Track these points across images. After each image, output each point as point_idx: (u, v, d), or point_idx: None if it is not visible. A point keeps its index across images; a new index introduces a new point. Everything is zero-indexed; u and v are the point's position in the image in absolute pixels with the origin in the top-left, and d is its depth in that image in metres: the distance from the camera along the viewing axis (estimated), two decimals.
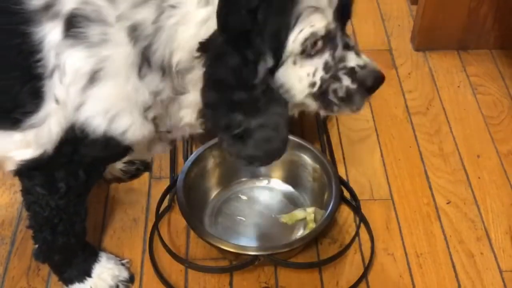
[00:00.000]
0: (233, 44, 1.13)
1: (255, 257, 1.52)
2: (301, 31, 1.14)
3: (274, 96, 1.20)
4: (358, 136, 1.93)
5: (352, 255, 1.64)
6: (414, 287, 1.58)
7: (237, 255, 1.55)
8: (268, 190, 1.76)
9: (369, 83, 1.23)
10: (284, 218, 1.68)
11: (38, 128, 1.18)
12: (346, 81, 1.22)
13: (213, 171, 1.73)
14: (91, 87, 1.15)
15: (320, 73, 1.20)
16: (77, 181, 1.30)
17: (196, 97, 1.21)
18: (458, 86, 2.09)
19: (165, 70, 1.18)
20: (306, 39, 1.14)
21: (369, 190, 1.78)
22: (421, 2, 2.15)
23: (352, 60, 1.22)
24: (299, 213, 1.68)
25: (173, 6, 1.15)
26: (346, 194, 1.74)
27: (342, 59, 1.22)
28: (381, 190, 1.79)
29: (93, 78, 1.15)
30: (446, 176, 1.83)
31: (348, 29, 2.29)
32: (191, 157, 1.69)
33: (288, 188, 1.75)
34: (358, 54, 1.23)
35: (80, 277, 1.51)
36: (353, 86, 1.22)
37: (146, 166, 1.81)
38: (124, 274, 1.55)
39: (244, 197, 1.74)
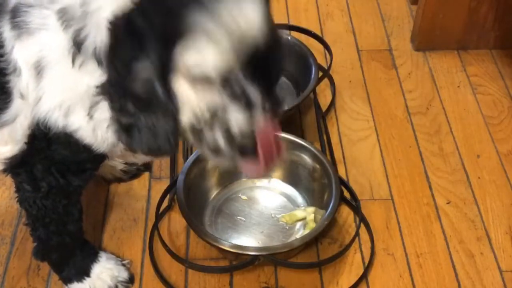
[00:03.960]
0: (129, 30, 1.02)
1: (255, 257, 1.52)
2: (188, 55, 0.99)
3: (160, 104, 1.04)
4: (358, 136, 1.93)
5: (352, 255, 1.64)
6: (414, 287, 1.58)
7: (237, 255, 1.55)
8: (268, 190, 1.76)
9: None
10: (284, 218, 1.68)
11: (11, 125, 1.17)
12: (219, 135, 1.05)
13: (213, 171, 1.73)
14: (41, 79, 1.13)
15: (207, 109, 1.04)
16: (58, 182, 1.28)
17: None
18: (458, 86, 2.09)
19: (101, 60, 1.08)
20: (190, 68, 1.00)
21: (369, 190, 1.78)
22: (421, 2, 2.15)
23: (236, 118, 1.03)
24: (299, 213, 1.68)
25: None
26: (346, 194, 1.74)
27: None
28: (381, 190, 1.79)
29: (39, 68, 1.12)
30: (446, 176, 1.83)
31: (348, 29, 2.31)
32: (191, 157, 1.68)
33: (288, 188, 1.75)
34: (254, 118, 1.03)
35: (78, 276, 1.51)
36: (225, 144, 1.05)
37: (146, 166, 1.81)
38: (124, 275, 1.55)
39: (244, 197, 1.74)
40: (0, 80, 1.14)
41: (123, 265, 1.57)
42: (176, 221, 1.70)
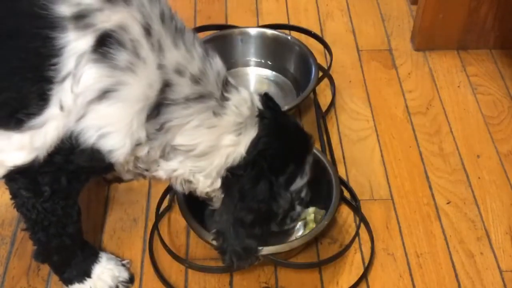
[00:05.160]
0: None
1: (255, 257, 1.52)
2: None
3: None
4: (358, 136, 1.93)
5: (352, 255, 1.64)
6: (414, 287, 1.58)
7: None
8: None
9: None
10: None
11: (35, 130, 1.18)
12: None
13: None
14: (97, 102, 1.17)
15: None
16: (60, 186, 1.29)
17: (172, 167, 1.36)
18: (458, 86, 2.09)
19: (163, 128, 1.26)
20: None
21: (369, 190, 1.79)
22: (421, 2, 2.15)
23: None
24: None
25: (214, 113, 1.30)
26: (346, 194, 1.74)
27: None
28: (381, 190, 1.79)
29: (103, 96, 1.17)
30: (446, 176, 1.83)
31: (348, 29, 2.31)
32: None
33: None
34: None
35: (79, 278, 1.51)
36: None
37: None
38: (124, 275, 1.55)
39: None
40: (43, 86, 1.15)
41: (123, 265, 1.57)
42: (176, 221, 1.70)
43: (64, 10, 1.13)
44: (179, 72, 1.23)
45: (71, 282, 1.52)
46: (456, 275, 1.60)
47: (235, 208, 1.41)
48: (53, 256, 1.46)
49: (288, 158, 1.43)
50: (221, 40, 2.05)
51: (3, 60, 1.15)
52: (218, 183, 1.40)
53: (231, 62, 2.06)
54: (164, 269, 1.60)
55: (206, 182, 1.40)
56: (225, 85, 1.34)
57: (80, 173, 1.30)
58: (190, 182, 1.41)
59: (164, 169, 1.37)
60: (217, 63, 1.33)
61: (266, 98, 1.43)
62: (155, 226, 1.64)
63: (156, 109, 1.23)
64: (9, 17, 1.14)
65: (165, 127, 1.26)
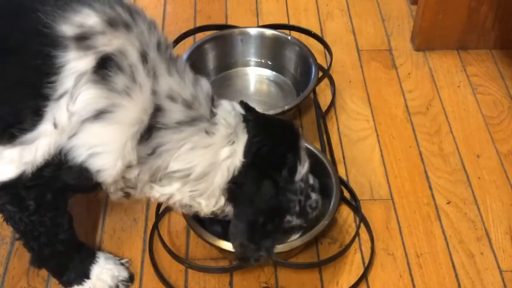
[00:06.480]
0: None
1: None
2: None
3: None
4: (358, 136, 1.93)
5: (352, 255, 1.64)
6: (414, 287, 1.58)
7: None
8: None
9: None
10: None
11: (26, 146, 1.18)
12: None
13: None
14: (91, 122, 1.18)
15: None
16: (45, 200, 1.30)
17: (168, 191, 1.38)
18: (458, 86, 2.09)
19: (154, 152, 1.28)
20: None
21: (369, 190, 1.79)
22: (421, 2, 2.15)
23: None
24: None
25: (207, 132, 1.33)
26: (346, 194, 1.74)
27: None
28: (381, 190, 1.79)
29: (98, 116, 1.18)
30: (446, 176, 1.83)
31: (348, 29, 2.31)
32: None
33: None
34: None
35: (78, 280, 1.51)
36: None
37: None
38: (124, 274, 1.55)
39: None
40: (38, 102, 1.15)
41: (122, 264, 1.57)
42: (176, 221, 1.70)
43: (67, 30, 1.15)
44: (172, 98, 1.26)
45: (70, 284, 1.52)
46: (456, 275, 1.60)
47: (247, 215, 1.41)
48: (49, 261, 1.46)
49: (282, 149, 1.44)
50: (221, 40, 2.05)
51: (2, 75, 1.15)
52: (223, 200, 1.42)
53: (231, 62, 2.06)
54: (164, 269, 1.60)
55: (211, 203, 1.41)
56: (212, 101, 1.38)
57: (66, 190, 1.31)
58: (190, 206, 1.43)
59: (160, 193, 1.38)
60: (205, 84, 1.37)
61: (243, 103, 1.47)
62: (155, 226, 1.64)
63: (148, 132, 1.25)
64: (12, 33, 1.15)
65: (157, 151, 1.28)
